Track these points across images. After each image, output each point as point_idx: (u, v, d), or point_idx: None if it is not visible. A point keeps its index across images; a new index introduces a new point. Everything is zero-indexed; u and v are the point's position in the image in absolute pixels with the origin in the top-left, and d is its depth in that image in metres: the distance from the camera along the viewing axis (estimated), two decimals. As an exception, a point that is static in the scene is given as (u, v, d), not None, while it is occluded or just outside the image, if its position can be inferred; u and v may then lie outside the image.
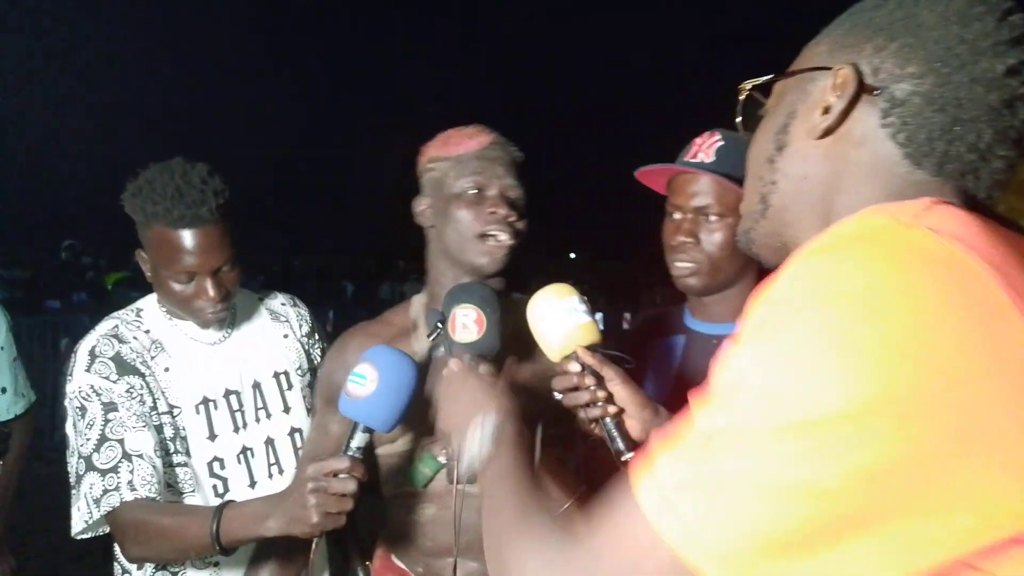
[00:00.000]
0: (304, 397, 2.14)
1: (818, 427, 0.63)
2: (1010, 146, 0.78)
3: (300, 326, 2.21)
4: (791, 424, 0.64)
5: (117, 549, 1.98)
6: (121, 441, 1.80)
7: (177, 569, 1.94)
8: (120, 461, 1.79)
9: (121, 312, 2.02)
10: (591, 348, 1.44)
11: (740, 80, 0.98)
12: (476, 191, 1.68)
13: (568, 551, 0.81)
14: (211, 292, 1.87)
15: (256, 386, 2.05)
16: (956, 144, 0.77)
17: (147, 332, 1.98)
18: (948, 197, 0.78)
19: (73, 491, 1.83)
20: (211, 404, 1.97)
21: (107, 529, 1.85)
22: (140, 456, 1.80)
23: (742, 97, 0.97)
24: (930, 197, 0.76)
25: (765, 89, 0.95)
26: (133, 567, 1.97)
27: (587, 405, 1.43)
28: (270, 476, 2.02)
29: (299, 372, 2.15)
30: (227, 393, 2.01)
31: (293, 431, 2.08)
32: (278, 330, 2.16)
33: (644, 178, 1.95)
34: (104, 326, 1.97)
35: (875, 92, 0.80)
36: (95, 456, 1.80)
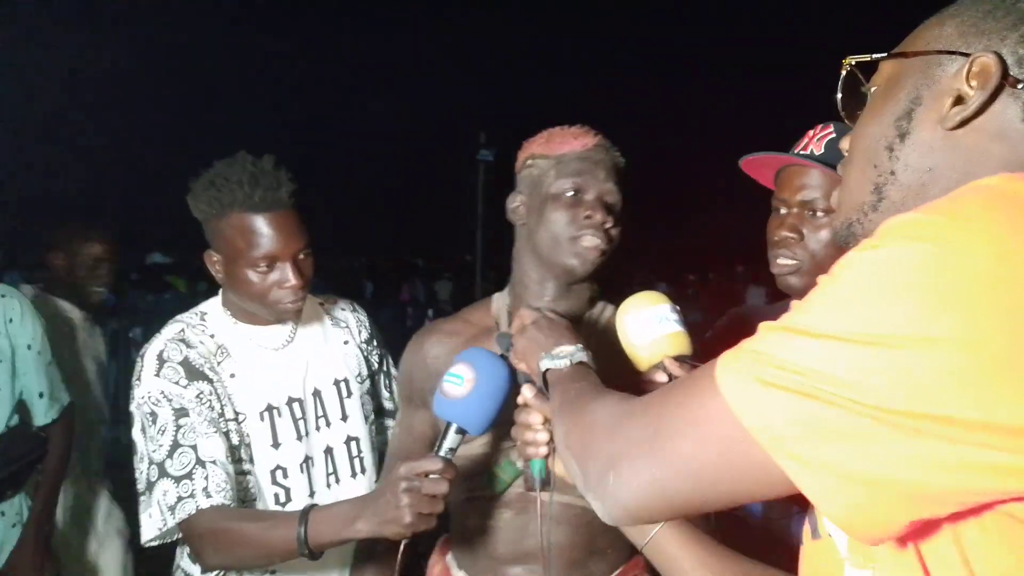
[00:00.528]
0: (362, 405, 2.13)
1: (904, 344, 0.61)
2: None
3: (360, 332, 2.20)
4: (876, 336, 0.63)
5: (179, 556, 1.99)
6: (194, 447, 1.79)
7: None
8: (194, 468, 1.77)
9: (185, 315, 2.00)
10: (679, 359, 1.40)
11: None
12: (574, 192, 1.65)
13: (633, 406, 0.87)
14: (293, 279, 1.86)
15: (317, 393, 2.04)
16: None
17: (212, 336, 1.96)
18: None
19: (143, 497, 1.81)
20: (275, 411, 1.95)
21: (176, 536, 1.83)
22: (214, 462, 1.78)
23: (844, 72, 0.90)
24: None
25: (874, 69, 0.89)
26: (196, 570, 1.94)
27: None
28: (328, 486, 2.01)
29: (358, 379, 2.14)
30: (290, 401, 1.99)
31: (350, 439, 2.07)
32: (339, 336, 2.15)
33: (749, 168, 1.85)
34: (170, 330, 1.94)
35: (1021, 85, 0.75)
36: (168, 462, 1.77)
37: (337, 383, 2.09)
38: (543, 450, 1.38)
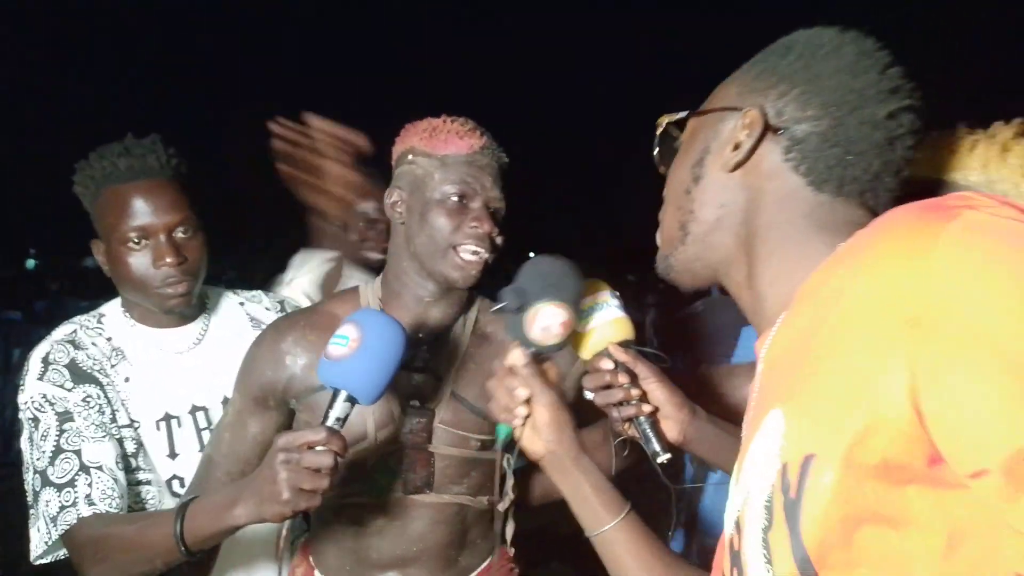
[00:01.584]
0: None
1: None
2: (894, 174, 0.90)
3: None
4: None
5: None
6: (78, 452, 1.66)
7: None
8: (77, 474, 1.63)
9: (82, 317, 1.86)
10: (624, 344, 1.39)
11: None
12: (459, 199, 1.56)
13: None
14: (168, 256, 1.72)
15: (227, 402, 1.82)
16: (850, 171, 0.88)
17: (108, 339, 1.83)
18: (851, 212, 0.90)
19: (32, 510, 1.68)
20: (174, 421, 1.82)
21: (65, 553, 1.69)
22: (99, 468, 1.65)
23: (659, 131, 1.06)
24: (833, 213, 0.89)
25: (679, 125, 1.04)
26: None
27: (620, 404, 1.36)
28: None
29: None
30: (194, 409, 1.85)
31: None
32: None
33: None
34: (60, 331, 1.82)
35: (779, 131, 0.90)
36: (50, 470, 1.65)
37: None
38: (517, 421, 1.28)
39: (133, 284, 1.76)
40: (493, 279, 1.57)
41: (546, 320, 1.28)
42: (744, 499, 0.81)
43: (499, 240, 1.58)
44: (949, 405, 0.62)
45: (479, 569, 1.74)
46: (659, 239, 1.06)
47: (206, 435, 1.84)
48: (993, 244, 0.65)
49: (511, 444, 1.32)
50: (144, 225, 1.72)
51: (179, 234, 1.76)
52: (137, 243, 1.73)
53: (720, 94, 0.99)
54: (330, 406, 1.33)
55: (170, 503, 1.79)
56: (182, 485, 1.81)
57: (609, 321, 1.39)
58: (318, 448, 1.30)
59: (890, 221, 0.74)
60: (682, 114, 1.04)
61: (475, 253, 1.55)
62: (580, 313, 1.36)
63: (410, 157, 1.61)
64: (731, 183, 0.94)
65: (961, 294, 0.63)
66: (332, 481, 1.31)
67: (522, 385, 1.29)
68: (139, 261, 1.73)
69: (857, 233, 0.79)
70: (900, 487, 0.65)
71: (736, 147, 0.93)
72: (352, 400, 1.34)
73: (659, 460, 1.34)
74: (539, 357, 1.32)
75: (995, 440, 0.60)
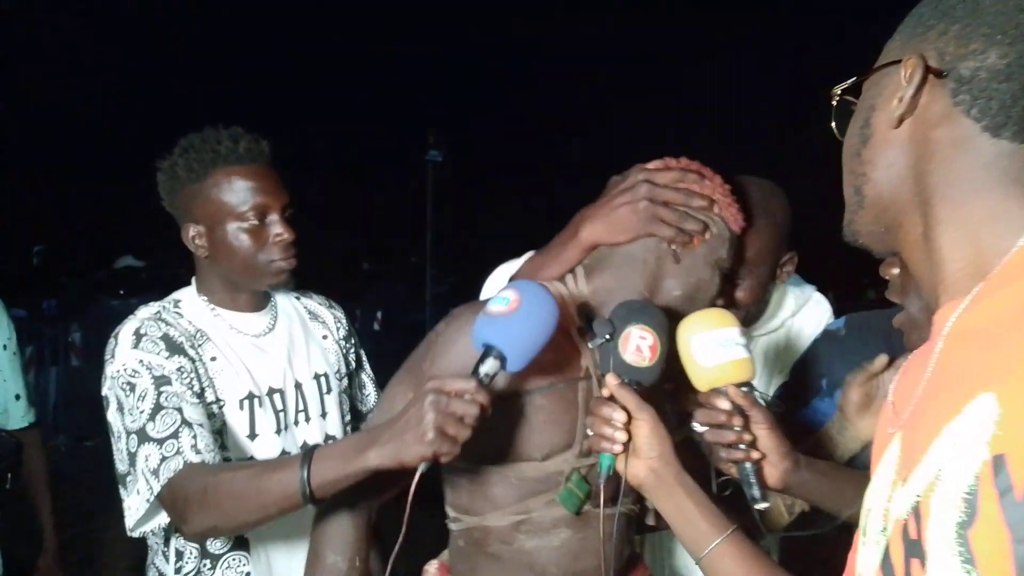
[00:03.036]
0: (340, 403, 2.05)
1: None
2: None
3: (338, 329, 2.14)
4: None
5: (152, 555, 1.89)
6: (179, 409, 1.66)
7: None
8: (180, 427, 1.63)
9: (157, 303, 1.91)
10: (741, 386, 1.40)
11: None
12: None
13: None
14: (286, 232, 1.82)
15: (298, 387, 1.95)
16: None
17: (190, 322, 1.87)
18: None
19: (128, 478, 1.66)
20: (256, 401, 1.87)
21: (165, 521, 1.68)
22: (201, 425, 1.67)
23: (834, 102, 1.01)
24: (1016, 166, 0.81)
25: (852, 92, 0.99)
26: (170, 572, 1.83)
27: (729, 445, 1.38)
28: None
29: (337, 376, 2.07)
30: (271, 391, 1.90)
31: (328, 438, 1.98)
32: (318, 330, 2.09)
33: None
34: (146, 311, 1.85)
35: (942, 74, 0.84)
36: (149, 425, 1.64)
37: (317, 377, 2.01)
38: (618, 448, 1.30)
39: (244, 261, 1.84)
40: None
41: (635, 342, 1.36)
42: (928, 487, 0.72)
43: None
44: None
45: None
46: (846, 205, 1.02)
47: (282, 417, 1.90)
48: None
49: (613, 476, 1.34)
50: (264, 203, 1.82)
51: (288, 213, 1.87)
52: (257, 221, 1.81)
53: (886, 51, 0.95)
54: (480, 361, 1.35)
55: None
56: None
57: (733, 361, 1.39)
58: (466, 397, 1.32)
59: None
60: (851, 80, 0.99)
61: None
62: (701, 345, 1.39)
63: None
64: (899, 138, 0.89)
65: None
66: (470, 432, 1.32)
67: (620, 408, 1.31)
68: (255, 238, 1.82)
69: None
70: None
71: (900, 99, 0.87)
72: (502, 359, 1.35)
73: (757, 507, 1.36)
74: (634, 383, 1.36)
75: None
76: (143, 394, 1.68)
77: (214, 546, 1.81)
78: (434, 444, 1.29)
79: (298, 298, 2.12)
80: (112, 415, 1.72)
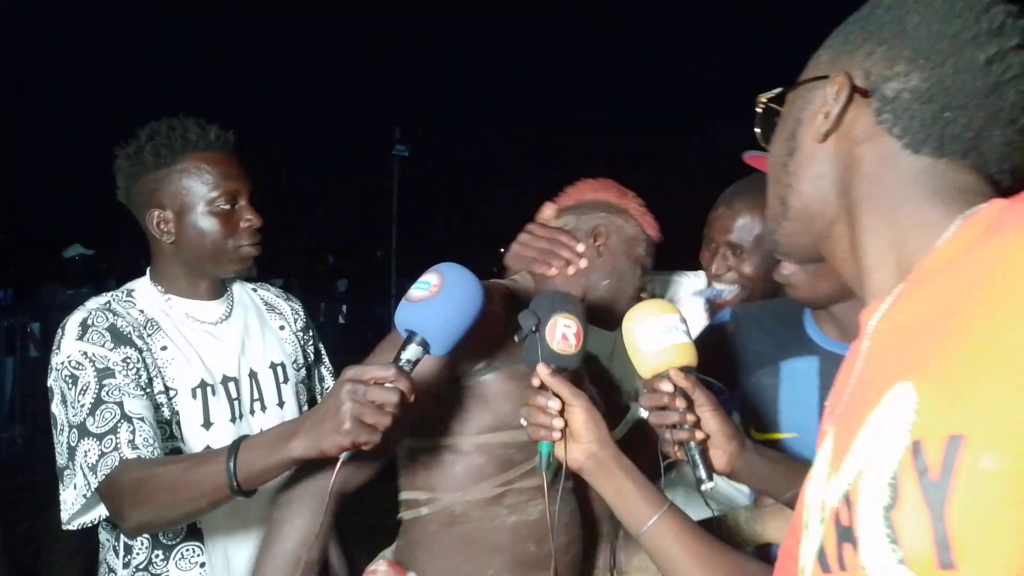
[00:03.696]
0: (297, 393, 2.06)
1: None
2: (1003, 126, 0.83)
3: (295, 320, 2.15)
4: None
5: (103, 552, 1.87)
6: (119, 404, 1.65)
7: (160, 571, 1.79)
8: (119, 422, 1.63)
9: (109, 293, 1.90)
10: (685, 370, 1.43)
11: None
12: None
13: None
14: (254, 218, 1.88)
15: (252, 375, 1.95)
16: (950, 128, 0.83)
17: (141, 311, 1.86)
18: (961, 177, 0.84)
19: (66, 472, 1.66)
20: (209, 389, 1.86)
21: (103, 514, 1.67)
22: (141, 419, 1.65)
23: (759, 110, 1.04)
24: (940, 177, 0.85)
25: (777, 101, 1.03)
26: (119, 566, 1.82)
27: (674, 426, 1.40)
28: None
29: (295, 366, 2.08)
30: (225, 379, 1.90)
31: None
32: (274, 321, 2.11)
33: (755, 163, 1.96)
34: (95, 301, 1.85)
35: (867, 93, 0.87)
36: (89, 420, 1.63)
37: (274, 367, 2.01)
38: (556, 435, 1.33)
39: (212, 245, 1.87)
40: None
41: (561, 330, 1.40)
42: (856, 475, 0.75)
43: None
44: None
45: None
46: (767, 216, 1.05)
47: (236, 405, 1.89)
48: None
49: (552, 464, 1.37)
50: (234, 189, 1.87)
51: (253, 201, 1.92)
52: (227, 206, 1.86)
53: (812, 65, 0.98)
54: (403, 348, 1.34)
55: None
56: None
57: (674, 345, 1.42)
58: (386, 385, 1.30)
59: None
60: (777, 90, 1.02)
61: None
62: (644, 332, 1.43)
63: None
64: (824, 153, 0.93)
65: None
66: (393, 421, 1.31)
67: (554, 397, 1.34)
68: (224, 223, 1.86)
69: (997, 203, 0.77)
70: None
71: (826, 115, 0.91)
72: (425, 345, 1.34)
73: (704, 487, 1.38)
74: (562, 371, 1.39)
75: None
76: (85, 387, 1.67)
77: (166, 536, 1.79)
78: (351, 433, 1.28)
79: (255, 289, 2.14)
80: (56, 407, 1.72)
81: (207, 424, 1.84)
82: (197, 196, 1.84)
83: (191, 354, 1.86)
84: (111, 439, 1.60)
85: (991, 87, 0.82)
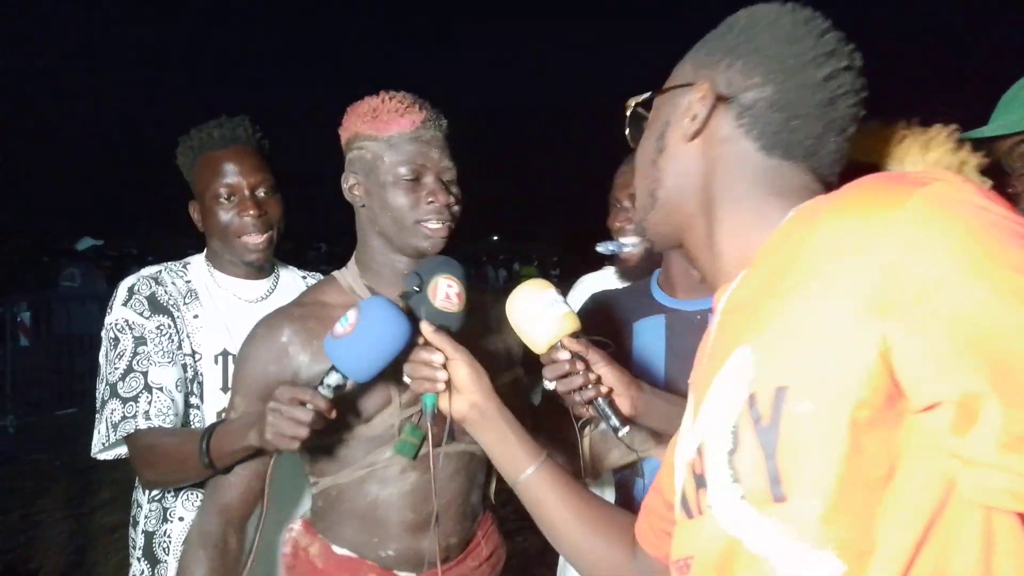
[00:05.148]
0: None
1: None
2: (837, 133, 0.96)
3: None
4: None
5: (134, 492, 2.13)
6: (145, 374, 1.96)
7: (169, 505, 2.05)
8: (141, 392, 1.94)
9: (171, 262, 2.19)
10: (574, 335, 1.51)
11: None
12: (412, 178, 1.64)
13: None
14: (250, 207, 2.04)
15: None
16: (796, 134, 0.95)
17: (188, 282, 2.13)
18: (800, 177, 0.97)
19: (97, 414, 1.99)
20: (230, 358, 2.07)
21: (124, 453, 2.00)
22: (160, 389, 1.95)
23: (628, 112, 1.14)
24: (783, 177, 0.97)
25: (645, 106, 1.12)
26: (144, 500, 2.08)
27: (580, 388, 1.48)
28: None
29: None
30: None
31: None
32: None
33: None
34: (148, 269, 2.14)
35: (728, 100, 0.98)
36: (120, 384, 1.95)
37: None
38: (440, 386, 1.40)
39: (221, 235, 2.09)
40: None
41: (444, 289, 1.49)
42: (705, 428, 0.88)
43: (457, 209, 1.69)
44: (913, 344, 0.69)
45: (480, 516, 1.86)
46: (636, 205, 1.14)
47: None
48: (957, 208, 0.72)
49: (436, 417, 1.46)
50: (232, 183, 2.06)
51: (260, 193, 2.09)
52: (226, 199, 2.06)
53: (677, 73, 1.07)
54: (327, 374, 1.49)
55: None
56: None
57: (559, 316, 1.49)
58: (307, 405, 1.48)
59: (860, 183, 0.81)
60: (646, 95, 1.11)
61: (436, 226, 1.65)
62: (529, 311, 1.50)
63: (358, 143, 1.70)
64: (690, 151, 1.02)
65: (930, 244, 0.70)
66: (312, 432, 1.49)
67: (436, 351, 1.42)
68: (226, 214, 2.06)
69: (818, 197, 0.89)
70: (864, 424, 0.72)
71: (693, 118, 1.00)
72: (344, 376, 1.49)
73: (620, 433, 1.47)
74: (445, 328, 1.47)
75: (952, 376, 0.68)
76: (122, 352, 1.99)
77: None
78: (271, 442, 1.51)
79: (304, 277, 2.34)
80: (100, 358, 2.05)
81: (225, 388, 2.05)
82: (206, 189, 2.08)
83: (220, 324, 2.10)
84: (132, 406, 1.92)
85: (828, 100, 0.95)
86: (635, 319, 1.98)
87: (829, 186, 0.97)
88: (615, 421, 1.47)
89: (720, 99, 0.99)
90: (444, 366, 1.40)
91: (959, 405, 0.67)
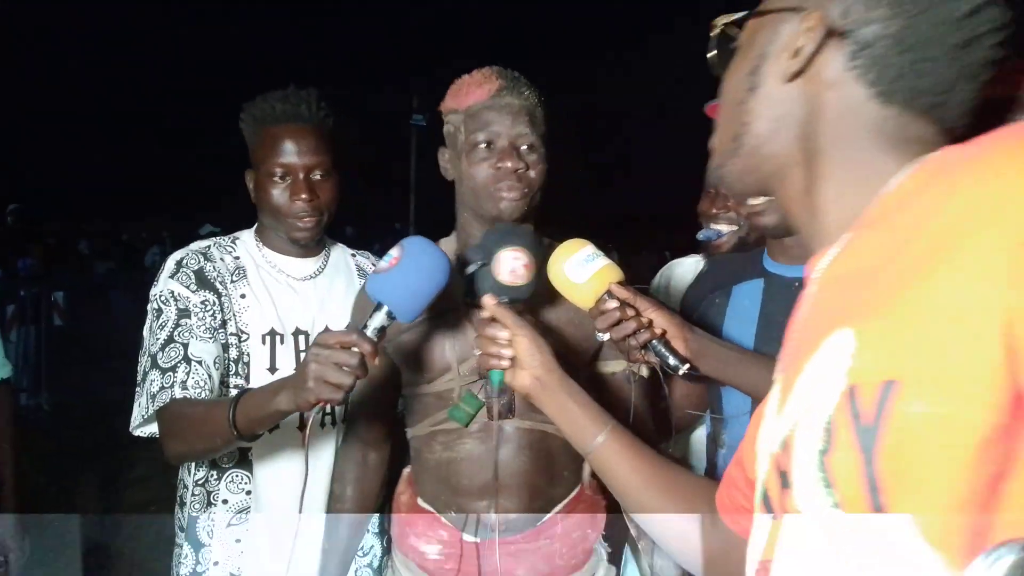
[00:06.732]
0: None
1: None
2: (970, 80, 0.81)
3: None
4: None
5: (180, 470, 2.10)
6: (185, 345, 1.91)
7: (213, 488, 2.01)
8: (179, 362, 1.88)
9: (220, 237, 2.15)
10: (620, 284, 1.52)
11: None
12: (486, 144, 1.68)
13: None
14: (302, 191, 1.99)
15: (326, 331, 2.06)
16: (922, 81, 0.80)
17: (236, 258, 2.08)
18: (921, 128, 0.82)
19: (137, 388, 1.93)
20: (278, 338, 2.03)
21: (156, 431, 1.92)
22: (199, 362, 1.89)
23: (714, 33, 0.99)
24: (902, 129, 0.82)
25: (737, 26, 0.97)
26: (190, 482, 2.03)
27: (634, 333, 1.49)
28: (322, 425, 2.07)
29: None
30: (296, 331, 2.06)
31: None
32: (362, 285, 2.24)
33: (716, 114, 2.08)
34: (197, 244, 2.10)
35: (844, 35, 0.82)
36: (160, 355, 1.90)
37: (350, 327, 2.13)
38: (505, 363, 1.40)
39: (271, 211, 2.04)
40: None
41: (509, 263, 1.50)
42: (795, 420, 0.76)
43: (534, 173, 1.70)
44: None
45: (566, 500, 1.84)
46: (714, 146, 1.01)
47: (303, 356, 1.99)
48: None
49: (504, 392, 1.50)
50: (287, 163, 2.00)
51: (315, 175, 2.03)
52: (280, 178, 2.01)
53: None
54: (370, 316, 1.47)
55: None
56: None
57: (601, 268, 1.51)
58: (352, 349, 1.44)
59: (1006, 137, 0.68)
60: (740, 15, 0.96)
61: (509, 193, 1.67)
62: (572, 270, 1.51)
63: (446, 117, 1.78)
64: (789, 94, 0.88)
65: None
66: (355, 380, 1.45)
67: (501, 327, 1.41)
68: (279, 193, 2.02)
69: (946, 150, 0.75)
70: (987, 430, 0.61)
71: (796, 54, 0.85)
72: (391, 315, 1.47)
73: (681, 372, 1.49)
74: (512, 303, 1.49)
75: None
76: (164, 323, 1.94)
77: (221, 460, 2.01)
78: (315, 391, 1.44)
79: (353, 255, 2.31)
80: (145, 330, 2.00)
81: (272, 369, 2.01)
82: (261, 163, 2.03)
83: (268, 303, 2.05)
84: (170, 376, 1.87)
85: (966, 41, 0.80)
86: (735, 282, 1.98)
87: (955, 139, 0.80)
88: (673, 360, 1.48)
89: (832, 33, 0.83)
90: (509, 341, 1.41)
91: None
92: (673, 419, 1.92)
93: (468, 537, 1.77)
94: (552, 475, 1.80)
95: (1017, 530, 0.60)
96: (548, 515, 1.81)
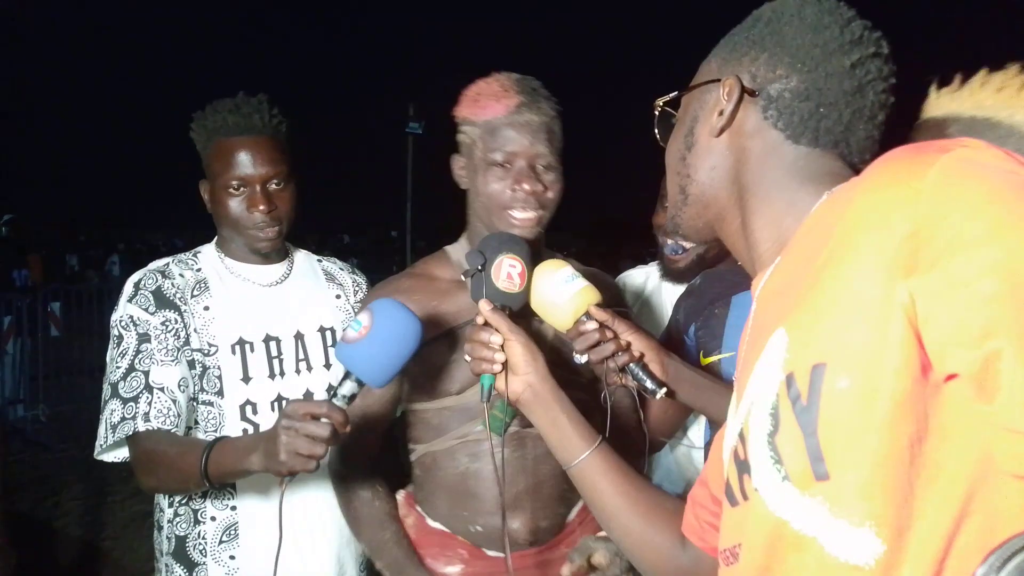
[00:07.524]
0: None
1: None
2: (867, 120, 0.98)
3: (355, 292, 2.25)
4: None
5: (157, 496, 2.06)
6: (147, 373, 1.88)
7: (198, 507, 1.97)
8: (141, 392, 1.86)
9: (181, 253, 2.12)
10: (598, 306, 1.52)
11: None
12: (503, 164, 1.66)
13: None
14: (259, 203, 1.96)
15: (299, 337, 2.07)
16: (823, 121, 0.97)
17: (198, 271, 2.05)
18: (830, 163, 0.98)
19: (101, 415, 1.91)
20: (247, 346, 2.00)
21: (125, 456, 1.93)
22: (162, 389, 1.87)
23: (656, 112, 1.17)
24: (813, 164, 0.98)
25: (672, 104, 1.15)
26: (165, 505, 2.01)
27: (613, 355, 1.49)
28: None
29: None
30: (267, 338, 2.03)
31: (330, 387, 2.02)
32: (331, 290, 2.21)
33: None
34: (156, 263, 2.06)
35: (754, 93, 1.00)
36: (121, 384, 1.88)
37: (322, 330, 2.12)
38: (497, 367, 1.39)
39: (229, 223, 2.01)
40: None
41: (506, 269, 1.50)
42: (747, 414, 0.88)
43: (551, 195, 1.69)
44: (936, 307, 0.68)
45: (579, 505, 1.83)
46: (668, 203, 1.16)
47: (276, 363, 2.02)
48: (979, 171, 0.72)
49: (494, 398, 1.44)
50: (243, 175, 1.97)
51: (272, 185, 2.00)
52: (236, 190, 1.98)
53: (703, 70, 1.10)
54: (340, 384, 1.47)
55: (238, 428, 1.94)
56: (255, 412, 1.97)
57: (580, 290, 1.51)
58: (323, 420, 1.45)
59: (886, 158, 0.80)
60: (673, 94, 1.14)
61: (524, 214, 1.66)
62: (550, 290, 1.51)
63: (462, 126, 1.74)
64: (719, 146, 1.04)
65: (951, 208, 0.69)
66: (327, 449, 1.45)
67: (495, 332, 1.41)
68: (236, 205, 1.99)
69: (851, 180, 0.87)
70: (900, 395, 0.71)
71: (720, 113, 1.02)
72: (359, 382, 1.47)
73: (659, 396, 1.49)
74: (506, 308, 1.48)
75: (974, 339, 0.65)
76: (125, 350, 1.91)
77: None
78: (286, 464, 1.46)
79: (319, 260, 2.29)
80: (109, 353, 1.96)
81: (246, 379, 1.98)
82: (216, 176, 1.98)
83: (234, 313, 2.02)
84: (132, 407, 1.85)
85: (856, 88, 0.96)
86: (734, 292, 2.01)
87: (860, 172, 0.91)
88: (651, 384, 1.49)
89: (746, 92, 1.01)
90: (502, 347, 1.40)
91: (983, 369, 0.65)
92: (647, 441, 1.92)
93: (491, 552, 1.74)
94: (568, 481, 1.80)
95: (1018, 525, 0.69)
96: (568, 519, 1.81)
